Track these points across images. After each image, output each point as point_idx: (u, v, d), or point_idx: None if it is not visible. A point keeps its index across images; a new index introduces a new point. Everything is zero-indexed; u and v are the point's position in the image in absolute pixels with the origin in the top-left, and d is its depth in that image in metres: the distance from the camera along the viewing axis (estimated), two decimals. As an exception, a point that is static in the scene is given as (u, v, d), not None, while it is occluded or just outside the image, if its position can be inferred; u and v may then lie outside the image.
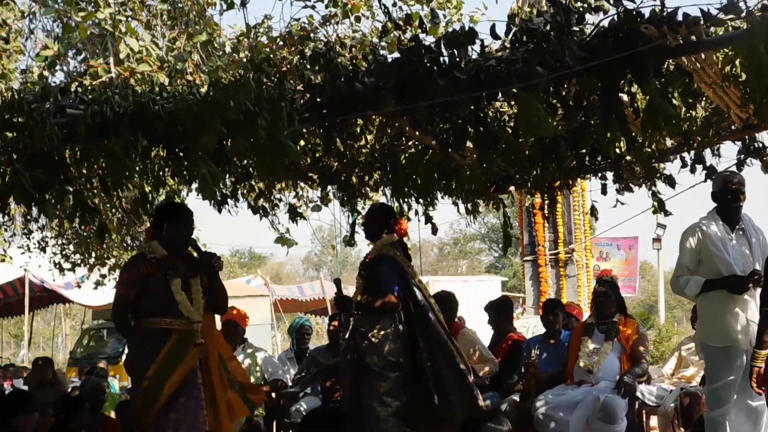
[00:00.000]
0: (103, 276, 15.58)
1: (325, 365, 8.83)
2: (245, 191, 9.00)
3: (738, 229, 6.71)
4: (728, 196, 6.69)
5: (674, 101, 5.34)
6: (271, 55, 7.22)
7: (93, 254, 14.93)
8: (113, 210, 11.54)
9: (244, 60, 7.82)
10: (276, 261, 66.62)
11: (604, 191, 7.89)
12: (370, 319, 7.11)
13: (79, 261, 15.11)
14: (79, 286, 18.74)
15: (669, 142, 7.48)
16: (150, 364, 6.43)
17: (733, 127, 7.29)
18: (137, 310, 6.62)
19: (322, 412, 8.21)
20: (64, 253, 14.95)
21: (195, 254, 6.92)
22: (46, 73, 8.59)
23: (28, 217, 12.47)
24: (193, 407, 6.50)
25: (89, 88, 6.74)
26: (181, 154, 6.53)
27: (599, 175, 7.93)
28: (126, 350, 21.31)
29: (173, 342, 6.51)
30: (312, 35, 8.57)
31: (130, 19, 8.37)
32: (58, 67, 8.59)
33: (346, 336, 7.34)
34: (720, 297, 6.58)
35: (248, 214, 9.40)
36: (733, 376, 6.53)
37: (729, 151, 8.18)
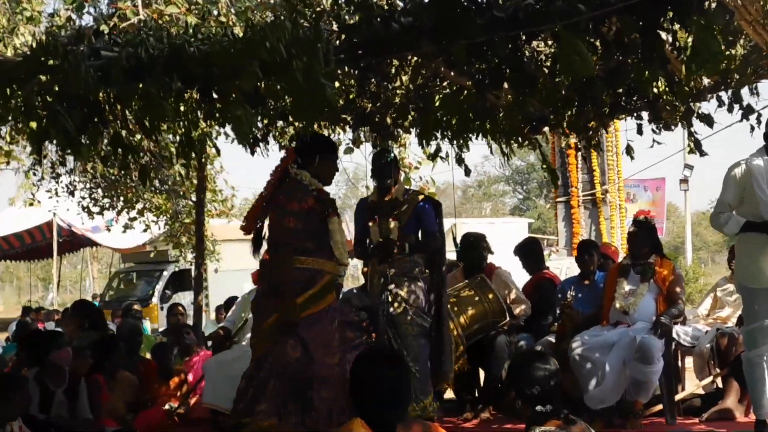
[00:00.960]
0: (132, 219, 15.67)
1: (358, 306, 8.85)
2: (276, 133, 8.99)
3: None
4: None
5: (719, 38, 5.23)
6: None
7: (122, 198, 15.01)
8: (141, 153, 11.53)
9: (272, 1, 7.75)
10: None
11: (639, 131, 7.82)
12: (411, 266, 7.19)
13: (107, 205, 15.19)
14: (108, 230, 18.86)
15: (706, 81, 7.39)
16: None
17: (770, 66, 7.20)
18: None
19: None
20: (92, 196, 15.04)
21: None
22: (73, 16, 8.54)
23: (58, 161, 12.49)
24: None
25: (124, 31, 6.70)
26: (216, 96, 6.52)
27: (635, 115, 7.86)
28: (153, 292, 21.83)
29: (323, 284, 6.30)
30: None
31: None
32: (85, 10, 8.54)
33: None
34: (759, 240, 6.51)
35: (272, 157, 9.37)
36: None
37: (765, 90, 8.05)
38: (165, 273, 22.10)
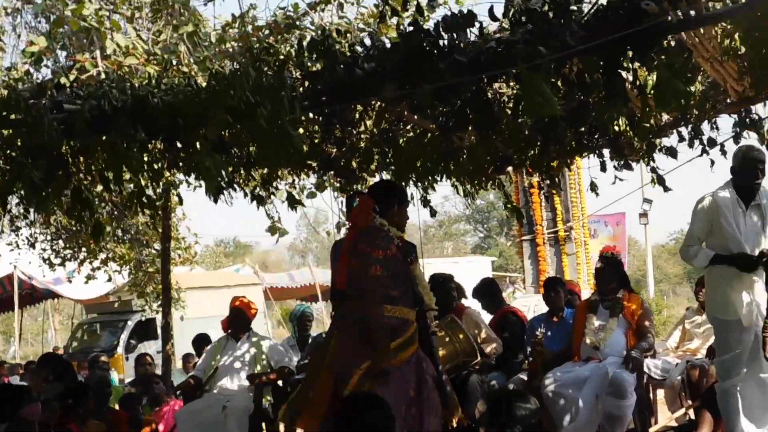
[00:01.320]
0: (95, 269, 15.54)
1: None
2: (240, 180, 8.98)
3: (753, 204, 6.71)
4: (747, 171, 6.70)
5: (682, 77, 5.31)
6: (269, 44, 7.19)
7: (83, 249, 14.89)
8: (103, 204, 11.48)
9: (231, 50, 7.78)
10: (261, 249, 66.56)
11: (603, 168, 7.89)
12: None
13: (69, 256, 15.07)
14: (69, 281, 18.70)
15: (665, 117, 7.49)
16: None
17: (728, 101, 7.31)
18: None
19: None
20: (53, 248, 14.92)
21: None
22: (32, 69, 8.50)
23: (22, 215, 12.39)
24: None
25: (84, 83, 6.69)
26: (180, 145, 6.52)
27: (597, 152, 7.94)
28: (118, 343, 21.65)
29: (410, 333, 6.18)
30: (298, 23, 8.53)
31: (112, 13, 8.30)
32: (44, 63, 8.52)
33: None
34: (728, 273, 6.61)
35: (236, 204, 9.38)
36: (743, 348, 6.58)
37: (724, 124, 8.18)
38: (129, 323, 21.91)
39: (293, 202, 8.76)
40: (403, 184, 8.02)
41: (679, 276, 58.43)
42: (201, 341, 10.79)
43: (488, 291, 9.48)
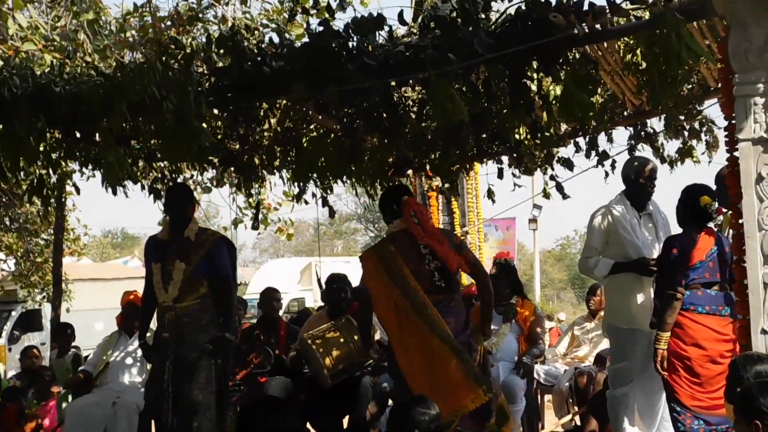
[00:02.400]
0: (-15, 257, 15.18)
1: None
2: (138, 173, 8.86)
3: (645, 213, 6.92)
4: (644, 181, 6.88)
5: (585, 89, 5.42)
6: (175, 37, 7.09)
7: (-32, 236, 14.54)
8: (-8, 191, 11.21)
9: (131, 40, 7.66)
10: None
11: (500, 175, 8.00)
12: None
13: (-49, 243, 14.69)
14: (-46, 269, 18.20)
15: (563, 127, 7.63)
16: None
17: (625, 113, 7.50)
18: None
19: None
20: (-64, 235, 14.53)
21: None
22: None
23: None
24: None
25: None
26: (78, 135, 6.40)
27: (496, 159, 8.04)
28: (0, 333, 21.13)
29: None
30: (201, 15, 8.44)
31: (12, -5, 8.10)
32: (-64, 44, 8.28)
33: None
34: (627, 280, 6.77)
35: (132, 196, 9.25)
36: (637, 356, 6.73)
37: (619, 137, 8.36)
38: (13, 313, 21.36)
39: (189, 198, 8.68)
40: (302, 183, 8.04)
41: (563, 281, 59.49)
42: (62, 330, 10.68)
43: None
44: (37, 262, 15.31)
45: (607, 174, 7.78)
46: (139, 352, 8.63)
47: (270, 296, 9.28)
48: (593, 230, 6.92)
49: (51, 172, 7.30)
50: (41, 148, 6.91)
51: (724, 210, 6.36)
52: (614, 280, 6.89)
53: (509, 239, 28.98)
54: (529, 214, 30.07)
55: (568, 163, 7.70)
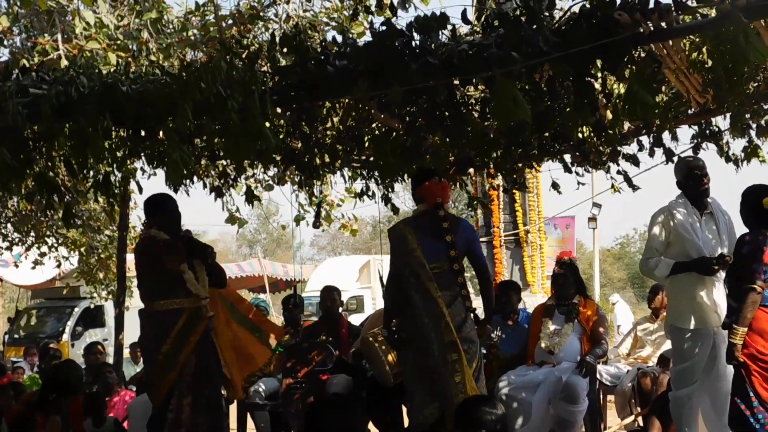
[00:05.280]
0: (42, 255, 15.32)
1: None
2: (201, 171, 8.94)
3: (706, 212, 6.85)
4: (693, 181, 6.84)
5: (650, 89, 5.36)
6: (240, 36, 7.14)
7: (32, 233, 14.69)
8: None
9: (192, 39, 7.73)
10: (208, 239, 66.06)
11: (568, 170, 7.97)
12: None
13: (17, 240, 14.86)
14: (16, 266, 18.44)
15: (626, 125, 7.57)
16: (165, 339, 6.82)
17: (690, 112, 7.42)
18: (148, 291, 7.04)
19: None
20: (1, 231, 14.70)
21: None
22: (-6, 50, 8.39)
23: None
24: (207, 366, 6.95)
25: (50, 68, 6.62)
26: (144, 134, 6.47)
27: (558, 158, 8.00)
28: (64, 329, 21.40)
29: (186, 319, 6.87)
30: (262, 14, 8.49)
31: (77, -5, 8.20)
32: (4, 43, 8.40)
33: None
34: (689, 281, 6.72)
35: (193, 195, 9.34)
36: (700, 357, 6.67)
37: (684, 135, 8.30)
38: (76, 310, 21.63)
39: (251, 197, 8.75)
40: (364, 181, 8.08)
41: (623, 281, 58.92)
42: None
43: None
44: (102, 258, 15.46)
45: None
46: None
47: (331, 294, 9.31)
48: (654, 231, 6.88)
49: (116, 169, 7.39)
50: (107, 146, 7.03)
51: None
52: (676, 281, 6.84)
53: (568, 238, 28.75)
54: (589, 213, 29.77)
55: (634, 160, 7.64)
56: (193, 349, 6.83)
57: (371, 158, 7.19)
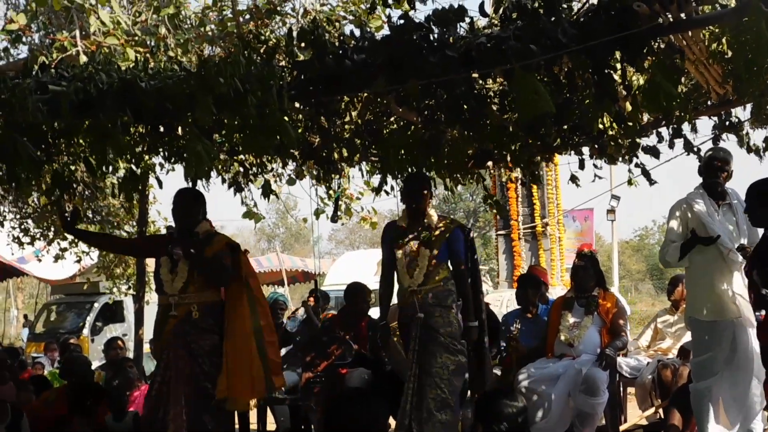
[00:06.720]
0: (63, 250, 15.37)
1: (303, 340, 8.83)
2: (220, 166, 8.95)
3: (724, 204, 6.83)
4: (708, 171, 6.84)
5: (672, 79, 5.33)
6: (258, 31, 7.14)
7: (52, 228, 14.74)
8: (77, 185, 11.37)
9: (210, 34, 7.74)
10: (227, 233, 66.00)
11: (582, 166, 7.94)
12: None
13: (38, 235, 14.90)
14: (39, 261, 18.50)
15: (646, 117, 7.54)
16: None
17: (709, 103, 7.38)
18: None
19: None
20: (23, 227, 14.74)
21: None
22: (10, 47, 8.41)
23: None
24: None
25: (68, 65, 6.63)
26: (163, 129, 6.48)
27: (577, 150, 7.97)
28: (84, 324, 21.45)
29: (159, 315, 7.01)
30: (279, 8, 8.49)
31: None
32: (24, 40, 8.43)
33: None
34: (707, 271, 6.70)
35: (212, 190, 9.32)
36: (720, 349, 6.65)
37: (703, 127, 8.25)
38: (96, 305, 21.69)
39: (268, 191, 8.75)
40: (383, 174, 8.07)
41: (641, 272, 58.82)
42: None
43: None
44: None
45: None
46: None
47: (364, 296, 9.26)
48: (671, 224, 6.90)
49: (135, 166, 7.41)
50: (127, 143, 7.04)
51: None
52: (694, 273, 6.83)
53: (587, 230, 28.71)
54: (607, 205, 29.70)
55: (654, 152, 7.60)
56: (165, 347, 6.84)
57: (383, 155, 7.16)
